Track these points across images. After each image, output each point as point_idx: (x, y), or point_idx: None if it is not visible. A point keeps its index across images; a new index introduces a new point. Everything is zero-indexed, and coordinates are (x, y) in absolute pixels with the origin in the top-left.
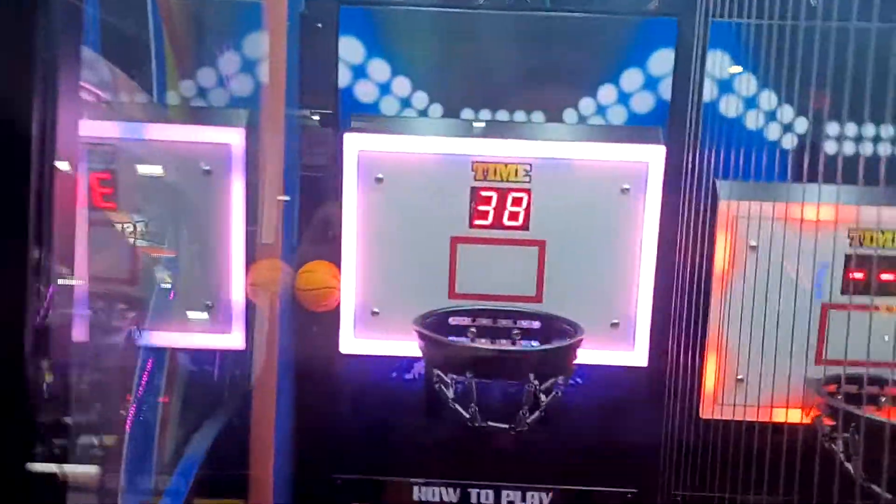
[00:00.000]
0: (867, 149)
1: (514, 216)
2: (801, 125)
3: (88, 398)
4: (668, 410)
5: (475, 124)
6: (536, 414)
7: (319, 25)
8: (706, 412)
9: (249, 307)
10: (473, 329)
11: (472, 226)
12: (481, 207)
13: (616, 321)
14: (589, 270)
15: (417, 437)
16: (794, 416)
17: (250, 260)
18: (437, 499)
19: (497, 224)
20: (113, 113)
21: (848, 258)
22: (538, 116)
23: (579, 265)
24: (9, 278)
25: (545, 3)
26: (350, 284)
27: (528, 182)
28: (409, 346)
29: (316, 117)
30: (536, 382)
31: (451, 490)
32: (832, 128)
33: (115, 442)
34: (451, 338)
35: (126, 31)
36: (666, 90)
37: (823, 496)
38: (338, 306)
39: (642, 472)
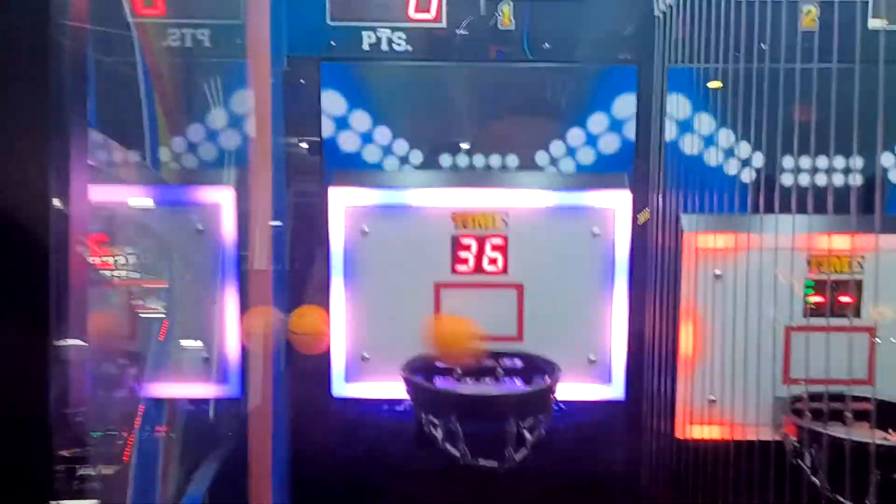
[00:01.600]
0: (821, 179)
1: (493, 261)
2: (758, 160)
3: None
4: (645, 433)
5: None
6: (522, 451)
7: (302, 81)
8: (681, 433)
9: (245, 358)
10: (459, 370)
11: (454, 272)
12: (462, 254)
13: (593, 357)
14: (565, 310)
15: (410, 472)
16: (765, 433)
17: (244, 299)
18: None
19: (478, 269)
20: (110, 177)
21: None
22: (512, 159)
23: (556, 305)
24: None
25: (525, 54)
26: (340, 331)
27: (506, 229)
28: (398, 388)
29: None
30: (519, 422)
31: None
32: (787, 161)
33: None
34: (437, 378)
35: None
36: (630, 131)
37: None
38: (328, 349)
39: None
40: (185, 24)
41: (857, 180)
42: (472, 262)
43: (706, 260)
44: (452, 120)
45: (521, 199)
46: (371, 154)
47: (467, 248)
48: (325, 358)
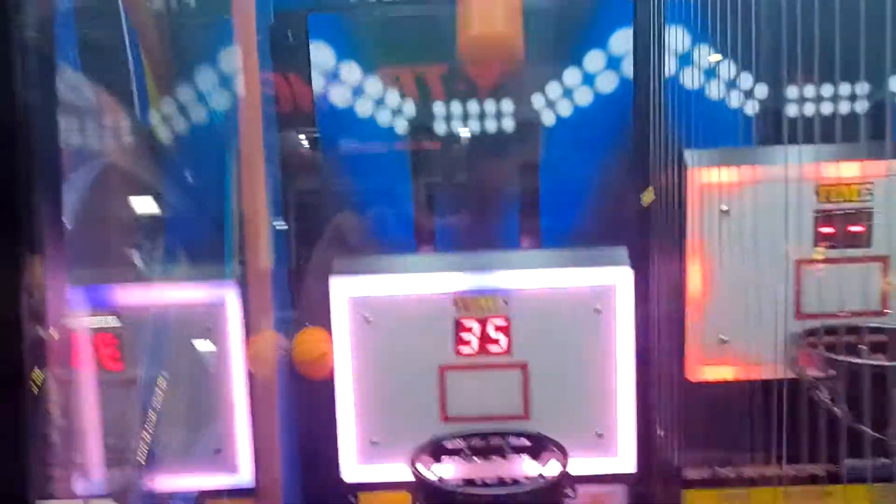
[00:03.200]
0: (826, 108)
1: (496, 342)
2: (762, 91)
3: None
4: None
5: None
6: None
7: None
8: (693, 375)
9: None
10: (467, 450)
11: (457, 354)
12: (465, 336)
13: (600, 431)
14: (570, 386)
15: None
16: (780, 371)
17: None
18: None
19: (481, 351)
20: (115, 278)
21: (817, 213)
22: (507, 105)
23: (561, 382)
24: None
25: None
26: (349, 417)
27: (507, 309)
28: (407, 471)
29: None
30: None
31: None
32: (791, 91)
33: None
34: (444, 458)
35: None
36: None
37: (815, 443)
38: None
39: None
40: None
41: (863, 107)
42: (475, 344)
43: (712, 196)
44: (446, 65)
45: (521, 281)
46: (363, 107)
47: (469, 330)
48: (334, 442)
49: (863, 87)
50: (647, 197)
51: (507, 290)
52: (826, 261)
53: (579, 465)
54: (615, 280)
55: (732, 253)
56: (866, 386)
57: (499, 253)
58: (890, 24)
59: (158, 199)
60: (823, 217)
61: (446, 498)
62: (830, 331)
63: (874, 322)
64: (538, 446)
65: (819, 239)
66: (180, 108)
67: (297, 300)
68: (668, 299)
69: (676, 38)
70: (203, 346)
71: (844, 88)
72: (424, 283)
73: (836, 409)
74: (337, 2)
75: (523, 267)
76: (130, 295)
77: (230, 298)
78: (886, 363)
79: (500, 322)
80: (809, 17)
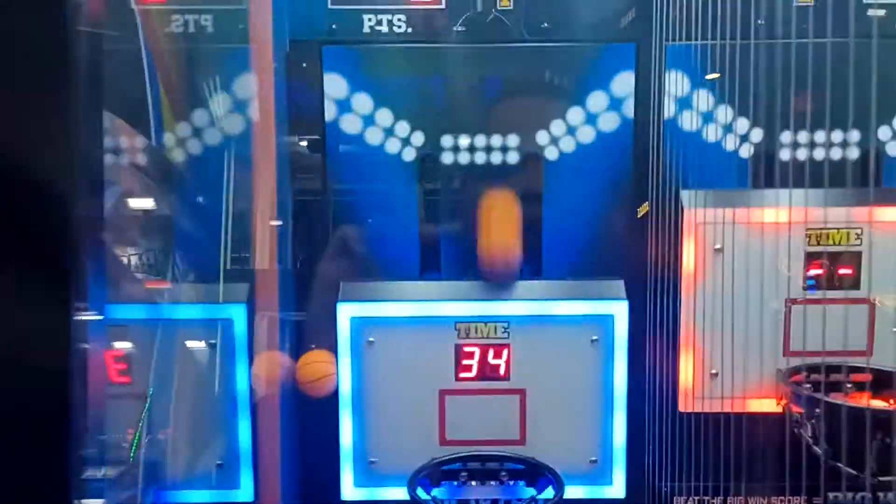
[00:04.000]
0: (819, 154)
1: (495, 368)
2: (756, 135)
3: None
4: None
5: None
6: None
7: (304, 65)
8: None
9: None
10: (465, 473)
11: (457, 379)
12: (465, 362)
13: (594, 458)
14: (566, 414)
15: None
16: (767, 406)
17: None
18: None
19: (480, 376)
20: (124, 294)
21: (808, 256)
22: (513, 139)
23: (557, 409)
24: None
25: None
26: (348, 436)
27: (507, 338)
28: (404, 492)
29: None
30: None
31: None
32: (785, 136)
33: None
34: (443, 482)
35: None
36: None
37: (797, 479)
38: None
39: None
40: (188, 10)
41: (853, 154)
42: (475, 370)
43: (706, 235)
44: (453, 102)
45: (521, 309)
46: (373, 136)
47: (470, 355)
48: (333, 462)
49: (853, 135)
50: (643, 210)
51: (507, 318)
52: (814, 301)
53: (573, 491)
54: (612, 312)
55: (724, 290)
56: (846, 425)
57: (501, 287)
58: (877, 75)
59: (169, 221)
60: (813, 258)
61: None
62: (813, 368)
63: (859, 362)
64: (533, 472)
65: (805, 279)
66: (195, 132)
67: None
68: (662, 332)
69: (676, 82)
70: (206, 360)
71: (836, 135)
72: (427, 308)
73: (815, 446)
74: (350, 34)
75: (524, 297)
76: (137, 311)
77: (237, 315)
78: (863, 406)
79: (500, 349)
80: (803, 65)
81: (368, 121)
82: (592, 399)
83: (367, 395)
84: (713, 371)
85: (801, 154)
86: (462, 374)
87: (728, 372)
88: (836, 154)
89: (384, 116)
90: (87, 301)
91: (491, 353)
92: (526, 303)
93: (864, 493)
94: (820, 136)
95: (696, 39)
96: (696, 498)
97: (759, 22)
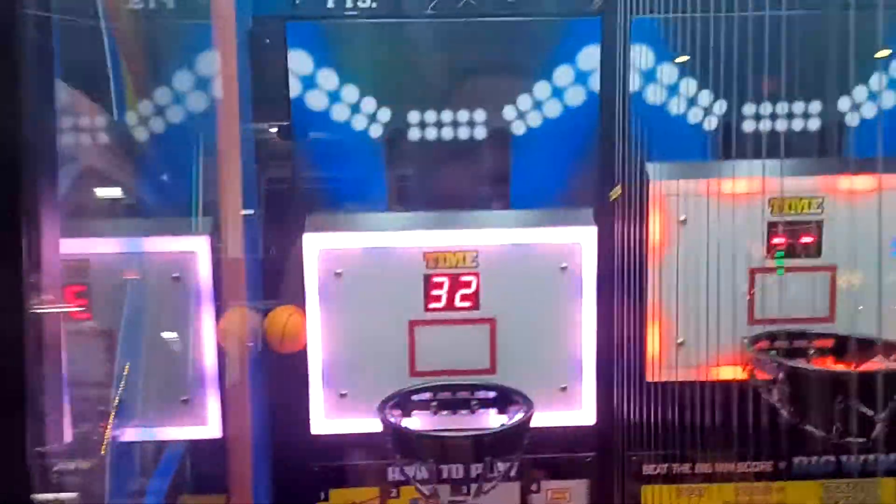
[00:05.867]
0: (781, 125)
1: (465, 298)
2: (720, 107)
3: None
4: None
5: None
6: (494, 482)
7: (268, 41)
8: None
9: (224, 398)
10: (435, 403)
11: (427, 309)
12: (434, 292)
13: (564, 385)
14: (536, 342)
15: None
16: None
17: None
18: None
19: (450, 306)
20: (85, 229)
21: (770, 226)
22: (480, 114)
23: (527, 338)
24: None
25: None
26: (318, 370)
27: (476, 267)
28: (376, 423)
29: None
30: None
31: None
32: (748, 108)
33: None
34: (414, 412)
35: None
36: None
37: (768, 441)
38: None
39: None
40: None
41: (815, 124)
42: (444, 300)
43: (671, 207)
44: (419, 76)
45: (490, 238)
46: (339, 113)
47: (439, 286)
48: (304, 395)
49: (815, 106)
50: (615, 193)
51: (476, 247)
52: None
53: (544, 418)
54: (581, 238)
55: (689, 260)
56: (811, 388)
57: (469, 212)
58: (836, 46)
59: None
60: (776, 228)
61: (413, 442)
62: (775, 335)
63: (822, 328)
64: (504, 399)
65: (770, 251)
66: (158, 110)
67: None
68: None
69: (641, 55)
70: (170, 294)
71: (798, 106)
72: (395, 238)
73: (784, 412)
74: (315, 10)
75: (493, 225)
76: (99, 245)
77: (200, 248)
78: (827, 369)
79: (469, 279)
80: (765, 38)
81: (334, 97)
82: (562, 327)
83: (336, 328)
84: (679, 340)
85: (764, 125)
86: (431, 305)
87: (694, 341)
88: (797, 125)
89: (350, 92)
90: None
91: (460, 282)
92: (495, 231)
93: (828, 456)
94: (782, 107)
95: (661, 13)
96: (666, 466)
97: None
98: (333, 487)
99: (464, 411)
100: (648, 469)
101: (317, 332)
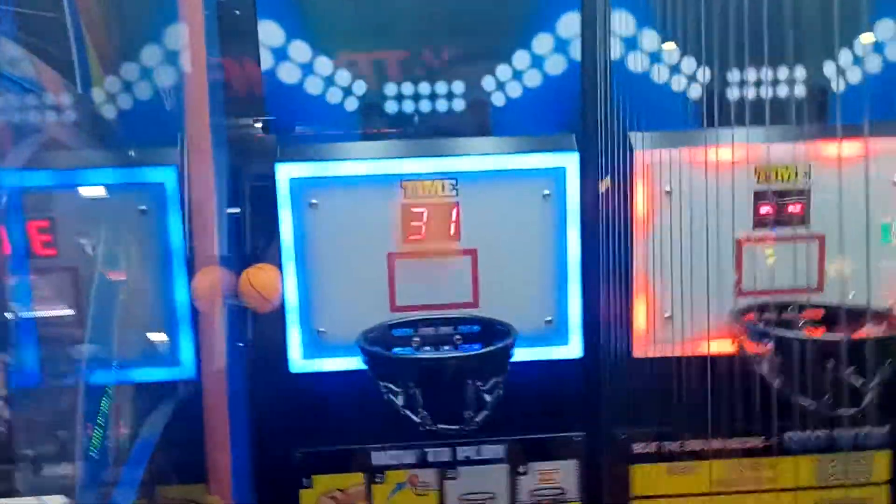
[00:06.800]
0: (766, 92)
1: (445, 228)
2: (704, 74)
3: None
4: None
5: None
6: (483, 413)
7: (237, 12)
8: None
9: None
10: (417, 339)
11: (406, 241)
12: (414, 223)
13: (549, 318)
14: (520, 273)
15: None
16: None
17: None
18: (395, 462)
19: (430, 237)
20: (47, 161)
21: (757, 195)
22: (458, 86)
23: (510, 269)
24: None
25: None
26: (294, 306)
27: (456, 196)
28: (356, 361)
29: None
30: (479, 383)
31: (408, 452)
32: (732, 75)
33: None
34: (394, 350)
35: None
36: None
37: (755, 415)
38: (281, 308)
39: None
40: None
41: (801, 91)
42: (424, 231)
43: (656, 177)
44: (395, 46)
45: (469, 165)
46: (312, 85)
47: (418, 216)
48: (280, 334)
49: (801, 72)
50: (604, 185)
51: (455, 175)
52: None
53: (529, 352)
54: (563, 164)
55: (675, 232)
56: (800, 358)
57: (447, 139)
58: (820, 11)
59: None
60: (762, 197)
61: (396, 366)
62: (764, 307)
63: (811, 298)
64: (487, 332)
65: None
66: (125, 86)
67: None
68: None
69: (622, 22)
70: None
71: (783, 72)
72: (371, 167)
73: (774, 383)
74: None
75: (472, 152)
76: (65, 177)
77: (168, 179)
78: (816, 337)
79: (449, 208)
80: (749, 3)
81: (307, 69)
82: (546, 257)
83: (311, 262)
84: (667, 314)
85: (749, 93)
86: (411, 237)
87: (681, 314)
88: (782, 91)
89: (323, 64)
90: None
91: (439, 212)
92: (474, 158)
93: (819, 430)
94: (767, 73)
95: None
96: (656, 444)
97: None
98: (317, 473)
99: (447, 347)
100: (638, 448)
101: (292, 266)
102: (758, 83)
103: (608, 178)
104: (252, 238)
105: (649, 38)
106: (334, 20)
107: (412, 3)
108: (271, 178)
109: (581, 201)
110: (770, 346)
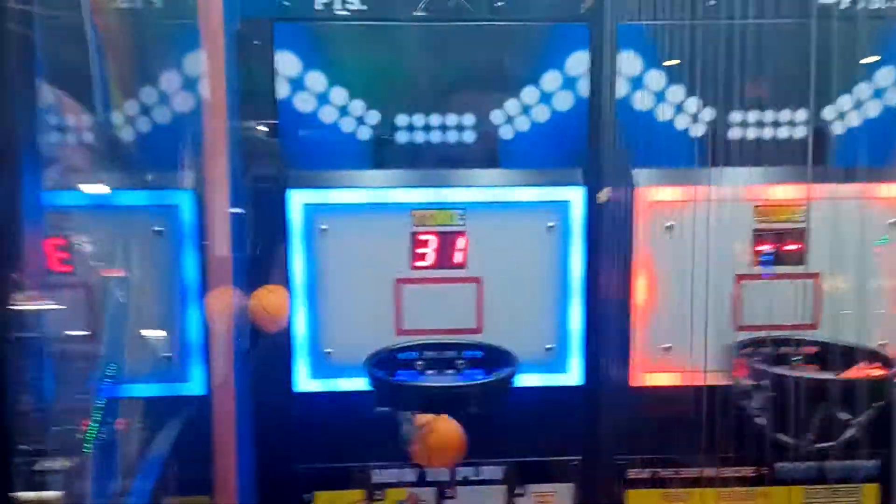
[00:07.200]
0: (768, 133)
1: (451, 256)
2: (707, 114)
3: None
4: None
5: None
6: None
7: (257, 42)
8: (636, 381)
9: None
10: (421, 362)
11: (413, 268)
12: (421, 250)
13: (550, 346)
14: (523, 301)
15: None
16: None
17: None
18: (395, 480)
19: (437, 265)
20: (67, 182)
21: (756, 232)
22: (469, 119)
23: (514, 297)
24: None
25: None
26: (302, 327)
27: (463, 225)
28: (362, 383)
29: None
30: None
31: (408, 471)
32: (735, 115)
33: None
34: (399, 371)
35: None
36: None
37: (752, 447)
38: (288, 328)
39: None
40: None
41: (800, 133)
42: (431, 258)
43: (657, 213)
44: (408, 80)
45: (477, 196)
46: (327, 115)
47: (426, 244)
48: (287, 354)
49: (801, 115)
50: (603, 195)
51: (463, 205)
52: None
53: (529, 379)
54: (569, 197)
55: (676, 267)
56: (792, 396)
57: (456, 170)
58: (821, 56)
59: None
60: (761, 235)
61: (400, 393)
62: (761, 342)
63: (807, 335)
64: (490, 358)
65: (756, 256)
66: (144, 110)
67: None
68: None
69: (628, 62)
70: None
71: (784, 115)
72: (382, 195)
73: (757, 418)
74: (302, 12)
75: (480, 184)
76: (82, 198)
77: (184, 202)
78: (807, 375)
79: (457, 237)
80: (753, 46)
81: (322, 99)
82: (549, 287)
83: (320, 285)
84: (666, 346)
85: (751, 133)
86: (418, 263)
87: (679, 347)
88: (783, 133)
89: (338, 95)
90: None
91: (447, 241)
92: (482, 189)
93: (810, 462)
94: (769, 115)
95: (648, 19)
96: (650, 470)
97: (710, 2)
98: (318, 490)
99: (450, 371)
100: (633, 474)
101: (301, 289)
102: (759, 124)
103: (608, 188)
104: (263, 259)
105: (654, 78)
106: (348, 52)
107: (428, 47)
108: (282, 202)
109: (585, 234)
110: (764, 382)
